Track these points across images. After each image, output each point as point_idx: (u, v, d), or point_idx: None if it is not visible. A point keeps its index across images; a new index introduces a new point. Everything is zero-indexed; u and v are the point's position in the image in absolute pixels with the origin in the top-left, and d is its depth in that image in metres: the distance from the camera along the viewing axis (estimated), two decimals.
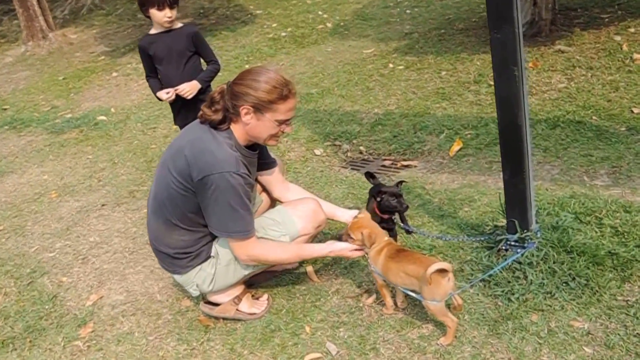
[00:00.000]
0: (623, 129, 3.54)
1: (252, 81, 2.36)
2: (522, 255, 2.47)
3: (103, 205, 4.10)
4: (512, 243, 2.52)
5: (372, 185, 2.96)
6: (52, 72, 7.89)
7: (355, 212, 2.78)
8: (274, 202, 2.96)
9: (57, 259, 3.52)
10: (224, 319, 2.69)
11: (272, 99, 2.34)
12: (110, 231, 3.73)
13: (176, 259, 2.55)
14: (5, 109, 6.93)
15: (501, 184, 3.21)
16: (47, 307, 3.03)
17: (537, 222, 2.58)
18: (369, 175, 3.02)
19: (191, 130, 2.52)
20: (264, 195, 2.93)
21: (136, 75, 6.92)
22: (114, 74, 7.19)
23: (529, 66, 4.60)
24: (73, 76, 7.46)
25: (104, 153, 5.02)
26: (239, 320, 2.65)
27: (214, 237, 2.55)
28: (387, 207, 2.71)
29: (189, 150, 2.38)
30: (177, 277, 2.64)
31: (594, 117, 3.74)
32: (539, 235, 2.51)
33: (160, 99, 3.49)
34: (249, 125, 2.41)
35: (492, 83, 4.42)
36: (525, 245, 2.48)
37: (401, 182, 2.86)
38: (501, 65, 2.28)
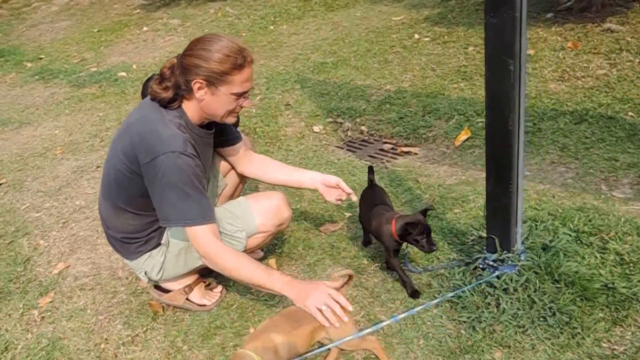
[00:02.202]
0: None
1: (203, 51, 2.02)
2: (500, 279, 2.08)
3: (98, 167, 3.95)
4: (490, 262, 2.13)
5: (382, 203, 2.39)
6: (90, 23, 7.81)
7: (321, 176, 2.41)
8: (238, 186, 2.69)
9: (41, 220, 3.42)
10: (173, 306, 2.49)
11: (225, 70, 2.00)
12: (96, 195, 3.56)
13: (125, 244, 2.33)
14: (41, 59, 6.92)
15: None
16: (18, 269, 2.93)
17: (524, 242, 2.17)
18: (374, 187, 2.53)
19: (142, 106, 2.23)
20: (228, 178, 2.64)
21: (164, 31, 6.67)
22: (145, 29, 6.99)
23: (567, 46, 3.98)
24: (107, 29, 7.34)
25: (115, 112, 4.87)
26: (187, 310, 2.44)
27: None
28: (411, 243, 2.19)
29: (136, 130, 2.10)
30: (127, 262, 2.43)
31: (630, 113, 3.16)
32: (522, 258, 2.10)
33: None
34: (204, 102, 2.09)
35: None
36: (504, 267, 2.08)
37: (429, 209, 2.29)
38: (494, 56, 1.83)
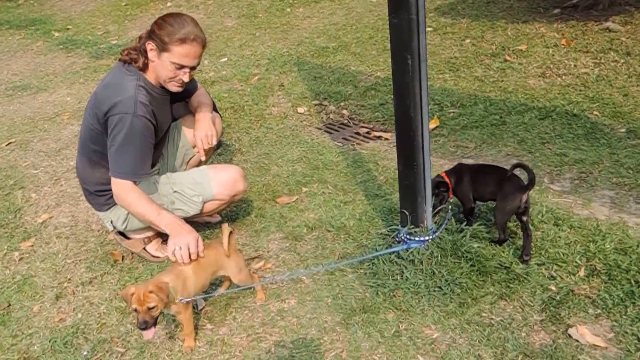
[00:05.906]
0: (623, 130, 3.18)
1: (162, 22, 2.54)
2: (408, 251, 2.43)
3: None
4: (404, 236, 2.48)
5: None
6: None
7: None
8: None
9: (38, 177, 4.00)
10: (131, 253, 2.96)
11: (169, 40, 2.50)
12: None
13: (96, 196, 2.83)
14: (68, 29, 7.68)
15: None
16: (10, 217, 3.51)
17: (444, 223, 2.51)
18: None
19: (109, 72, 2.73)
20: (196, 149, 3.09)
21: (186, 8, 7.27)
22: (168, 4, 7.61)
23: (561, 43, 4.20)
24: (133, 3, 8.00)
25: None
26: (143, 258, 2.92)
27: None
28: None
29: (100, 89, 2.61)
30: (98, 213, 2.94)
31: (595, 112, 3.40)
32: (432, 235, 2.44)
33: None
34: (154, 63, 2.59)
35: (508, 58, 4.18)
36: (413, 241, 2.43)
37: None
38: (397, 51, 2.21)
